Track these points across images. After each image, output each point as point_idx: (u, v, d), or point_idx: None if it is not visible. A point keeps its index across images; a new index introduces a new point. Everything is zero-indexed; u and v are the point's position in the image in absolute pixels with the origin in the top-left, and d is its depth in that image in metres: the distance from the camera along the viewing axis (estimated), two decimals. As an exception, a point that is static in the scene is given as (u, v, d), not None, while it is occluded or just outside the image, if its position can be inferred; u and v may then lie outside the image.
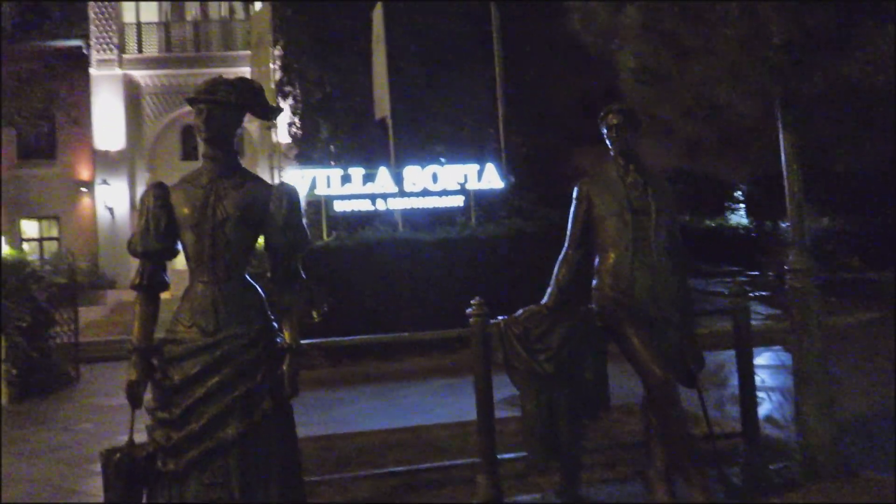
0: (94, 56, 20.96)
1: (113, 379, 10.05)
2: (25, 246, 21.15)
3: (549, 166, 15.29)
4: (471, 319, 3.98)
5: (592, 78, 9.24)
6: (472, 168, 12.92)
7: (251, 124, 15.63)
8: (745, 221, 22.77)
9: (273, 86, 15.31)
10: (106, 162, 20.92)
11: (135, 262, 2.90)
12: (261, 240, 2.93)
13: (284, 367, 2.80)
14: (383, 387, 8.98)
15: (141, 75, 21.34)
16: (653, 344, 3.62)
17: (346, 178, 12.61)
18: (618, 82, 5.52)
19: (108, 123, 20.92)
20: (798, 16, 3.59)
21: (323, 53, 15.09)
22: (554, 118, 15.78)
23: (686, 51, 4.28)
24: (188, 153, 21.56)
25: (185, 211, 2.80)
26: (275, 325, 2.89)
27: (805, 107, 4.09)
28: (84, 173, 21.59)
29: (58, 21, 19.51)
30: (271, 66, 15.09)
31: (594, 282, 3.86)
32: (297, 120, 16.37)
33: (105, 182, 20.76)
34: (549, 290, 3.87)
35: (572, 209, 3.91)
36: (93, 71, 20.91)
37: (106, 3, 21.05)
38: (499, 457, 4.01)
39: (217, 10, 22.49)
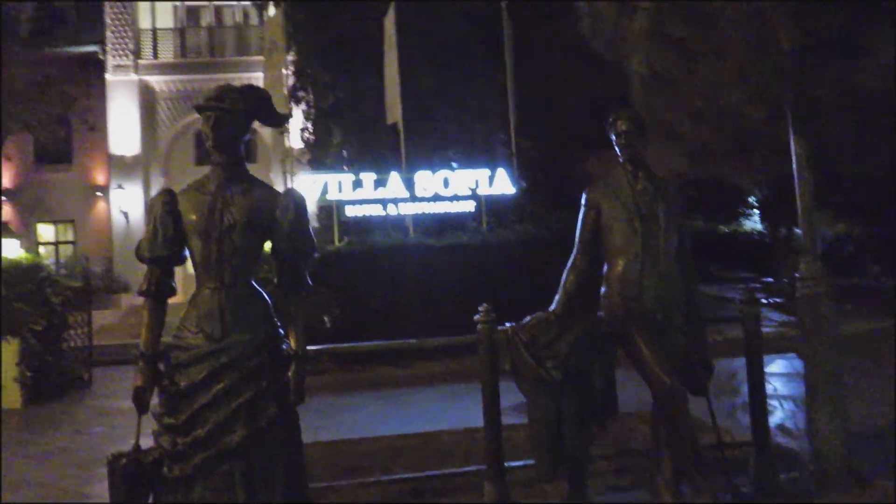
0: (111, 62, 21.17)
1: (126, 382, 10.03)
2: (42, 250, 21.39)
3: (560, 171, 15.24)
4: (478, 326, 3.98)
5: (604, 82, 9.21)
6: (483, 173, 12.90)
7: (264, 129, 15.73)
8: (759, 227, 22.59)
9: (286, 91, 15.40)
10: (121, 166, 21.12)
11: (148, 267, 2.92)
12: (268, 246, 2.94)
13: (290, 374, 2.81)
14: (393, 392, 8.98)
15: (156, 81, 21.54)
16: (661, 351, 3.60)
17: (357, 183, 12.63)
18: (628, 87, 5.51)
19: (123, 128, 21.12)
20: (807, 21, 3.56)
21: (335, 59, 15.15)
22: (565, 123, 15.75)
23: (695, 56, 4.26)
24: (202, 158, 21.70)
25: (193, 217, 2.82)
26: (281, 331, 2.90)
27: (816, 112, 4.06)
28: (99, 178, 21.80)
29: (74, 27, 19.72)
30: (284, 71, 15.17)
31: (602, 289, 3.84)
32: (309, 125, 16.43)
33: (120, 186, 20.95)
34: (557, 296, 3.86)
35: (580, 216, 3.90)
36: (109, 76, 21.12)
37: (122, 9, 21.28)
38: (506, 464, 3.99)
39: (231, 16, 22.66)
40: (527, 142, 14.67)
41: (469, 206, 12.87)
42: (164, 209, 2.84)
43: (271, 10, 15.88)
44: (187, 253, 2.90)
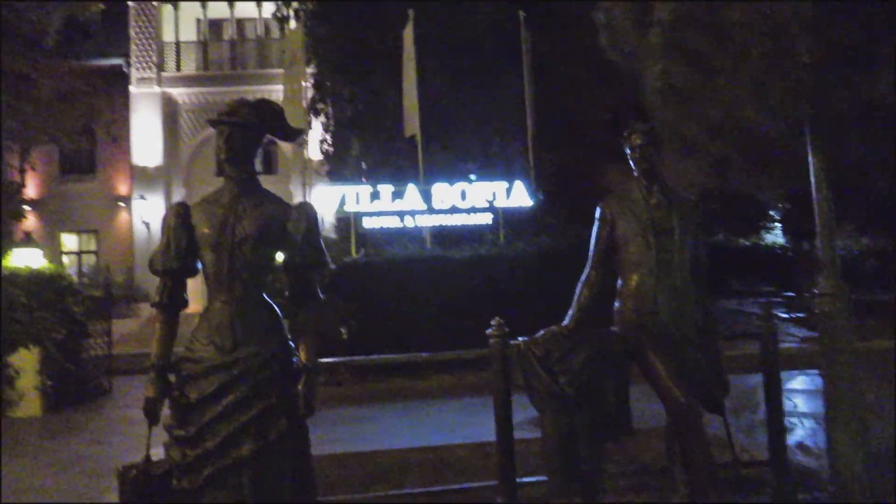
0: (134, 74, 21.55)
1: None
2: (65, 259, 21.72)
3: (578, 184, 15.19)
4: (490, 340, 3.95)
5: (622, 95, 9.20)
6: (500, 185, 12.90)
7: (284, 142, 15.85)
8: (781, 240, 22.31)
9: (305, 103, 15.54)
10: (143, 177, 21.42)
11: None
12: (280, 257, 2.96)
13: (300, 387, 2.81)
14: (408, 404, 8.96)
15: (178, 93, 21.85)
16: (676, 368, 3.56)
17: (374, 195, 12.68)
18: (645, 100, 5.49)
19: (146, 140, 21.45)
20: (826, 35, 3.52)
21: (354, 71, 15.27)
22: (584, 135, 15.71)
23: (712, 70, 4.23)
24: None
25: (206, 230, 2.84)
26: (292, 344, 2.90)
27: (835, 126, 4.01)
28: (122, 188, 22.12)
29: (100, 40, 20.09)
30: (304, 84, 15.32)
31: (616, 304, 3.81)
32: (328, 137, 16.57)
33: (142, 197, 21.24)
34: (570, 311, 3.83)
35: (594, 230, 3.88)
36: (132, 89, 21.49)
37: (146, 23, 21.65)
38: (518, 479, 3.96)
39: (253, 30, 22.97)
40: (545, 154, 14.65)
41: (486, 219, 12.86)
42: (178, 222, 2.86)
43: (292, 24, 16.08)
44: (200, 265, 2.92)
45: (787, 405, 7.18)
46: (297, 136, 3.07)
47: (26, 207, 19.23)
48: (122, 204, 22.05)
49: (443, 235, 12.76)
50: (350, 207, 12.65)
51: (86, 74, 19.34)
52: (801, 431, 6.39)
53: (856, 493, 3.92)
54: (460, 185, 12.89)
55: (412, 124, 13.42)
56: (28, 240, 11.02)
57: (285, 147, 17.94)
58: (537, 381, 3.74)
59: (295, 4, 16.41)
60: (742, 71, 4.07)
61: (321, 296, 2.97)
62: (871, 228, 18.81)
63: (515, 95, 14.47)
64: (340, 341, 10.15)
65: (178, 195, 21.29)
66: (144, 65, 21.60)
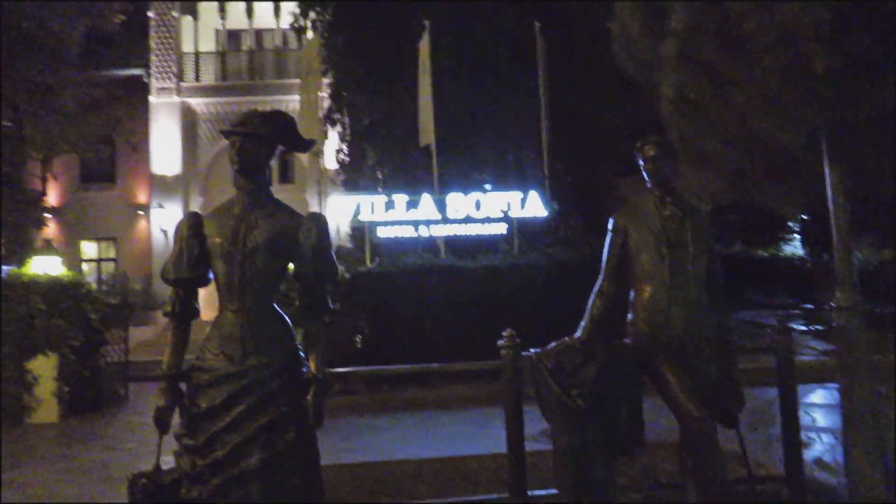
0: (154, 84, 21.83)
1: (159, 399, 10.24)
2: (84, 266, 21.98)
3: (593, 194, 15.14)
4: (502, 352, 3.94)
5: (637, 105, 9.16)
6: (515, 195, 12.89)
7: (300, 151, 15.92)
8: (800, 251, 22.05)
9: (322, 113, 15.65)
10: (162, 186, 21.65)
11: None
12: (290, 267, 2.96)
13: (309, 397, 2.81)
14: (422, 414, 8.93)
15: (197, 103, 22.10)
16: (689, 382, 3.52)
17: (389, 205, 12.72)
18: (660, 110, 5.46)
19: (164, 149, 21.70)
20: (841, 44, 3.49)
21: (370, 82, 15.37)
22: (599, 145, 15.67)
23: (726, 81, 4.20)
24: (240, 178, 22.09)
25: (217, 240, 2.86)
26: (302, 354, 2.91)
27: (852, 137, 3.96)
28: (141, 197, 22.37)
29: (121, 50, 20.39)
30: (321, 94, 15.43)
31: (629, 316, 3.78)
32: (344, 147, 16.66)
33: (160, 205, 21.46)
34: (582, 323, 3.81)
35: (607, 241, 3.86)
36: (152, 98, 21.76)
37: (166, 33, 21.95)
38: (529, 492, 3.93)
39: (271, 41, 23.20)
40: (560, 164, 14.62)
41: (501, 229, 12.84)
42: (190, 232, 2.89)
43: (309, 35, 16.23)
44: (212, 275, 2.94)
45: (806, 419, 7.10)
46: (308, 146, 3.08)
47: (47, 215, 19.52)
48: (140, 212, 22.29)
49: (457, 245, 12.75)
50: (365, 217, 12.69)
51: (107, 85, 19.66)
52: (819, 446, 6.30)
53: (874, 511, 3.86)
54: (475, 195, 12.89)
55: (427, 134, 13.46)
56: (48, 247, 11.13)
57: (302, 156, 18.07)
58: (549, 394, 3.71)
59: (312, 15, 16.56)
60: (757, 81, 4.04)
61: (332, 306, 2.98)
62: (892, 240, 18.54)
63: (531, 105, 14.48)
64: (354, 350, 10.16)
65: (195, 203, 21.49)
66: (164, 75, 21.88)
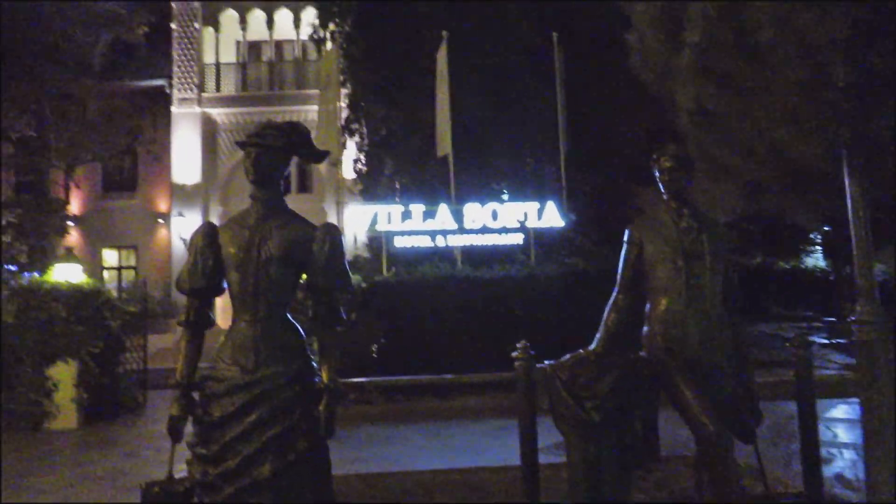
0: (176, 95, 22.10)
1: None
2: (105, 274, 22.24)
3: (611, 205, 15.07)
4: (515, 364, 3.92)
5: (656, 116, 9.12)
6: (532, 206, 12.85)
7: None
8: (822, 264, 21.76)
9: (340, 124, 15.75)
10: (182, 195, 21.87)
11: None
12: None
13: (321, 408, 2.81)
14: (437, 425, 8.91)
15: (217, 113, 22.34)
16: (705, 396, 3.47)
17: (406, 214, 12.73)
18: (677, 122, 5.43)
19: (185, 158, 21.94)
20: (861, 58, 3.45)
21: (388, 92, 15.45)
22: (617, 156, 15.60)
23: (744, 92, 4.17)
24: (259, 188, 22.25)
25: (232, 250, 2.88)
26: (314, 364, 2.91)
27: (872, 149, 3.91)
28: (161, 205, 22.62)
29: (143, 62, 20.70)
30: (339, 104, 15.53)
31: (645, 328, 3.74)
32: (362, 156, 16.75)
33: (180, 214, 21.67)
34: (597, 335, 3.78)
35: (623, 253, 3.83)
36: (174, 109, 22.03)
37: (188, 45, 22.25)
38: (543, 506, 3.89)
39: (291, 52, 23.42)
40: (577, 175, 14.57)
41: (517, 239, 12.80)
42: (205, 242, 2.91)
43: (328, 46, 16.36)
44: (226, 285, 2.95)
45: (827, 435, 6.98)
46: (322, 158, 3.10)
47: (70, 223, 19.80)
48: (161, 221, 22.53)
49: (473, 255, 12.74)
50: (382, 226, 12.72)
51: (129, 95, 19.98)
52: (840, 462, 6.19)
53: (895, 529, 3.78)
54: (492, 205, 12.87)
55: (445, 144, 13.49)
56: (69, 255, 11.29)
57: (320, 166, 18.14)
58: (563, 406, 3.68)
59: (331, 27, 16.71)
60: (776, 94, 4.00)
61: (344, 316, 2.98)
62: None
63: (548, 116, 14.47)
64: (370, 359, 10.17)
65: (215, 212, 21.69)
66: (186, 86, 22.15)
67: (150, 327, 12.47)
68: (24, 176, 21.08)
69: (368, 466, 6.24)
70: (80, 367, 9.78)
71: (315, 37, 17.45)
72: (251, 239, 2.87)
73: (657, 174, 3.83)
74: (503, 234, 12.74)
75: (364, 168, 16.69)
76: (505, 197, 13.82)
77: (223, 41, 22.77)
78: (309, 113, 18.96)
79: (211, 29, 22.62)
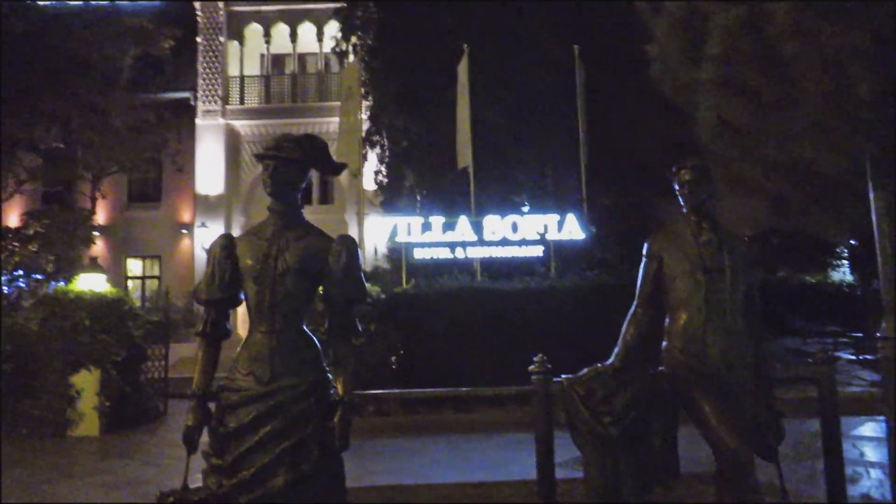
0: (200, 107, 22.41)
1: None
2: (130, 283, 22.53)
3: (632, 218, 14.95)
4: (532, 377, 3.88)
5: (677, 128, 9.06)
6: (552, 218, 12.81)
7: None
8: (849, 278, 21.38)
9: (361, 135, 15.85)
10: (205, 206, 22.12)
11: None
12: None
13: (335, 420, 2.81)
14: (456, 438, 8.87)
15: (241, 125, 22.61)
16: (726, 412, 3.41)
17: (426, 226, 12.76)
18: (698, 134, 5.39)
19: (209, 169, 22.21)
20: (886, 71, 3.40)
21: (409, 104, 15.53)
22: (638, 169, 15.49)
23: (767, 105, 4.13)
24: (281, 199, 22.43)
25: (249, 262, 2.90)
26: (329, 376, 2.91)
27: (898, 163, 3.84)
28: (185, 216, 22.88)
29: (169, 75, 21.02)
30: (360, 116, 15.64)
31: (664, 343, 3.69)
32: (383, 168, 16.83)
33: (203, 225, 21.90)
34: (615, 349, 3.74)
35: (642, 267, 3.79)
36: (198, 121, 22.34)
37: (213, 58, 22.59)
38: (560, 522, 3.84)
39: (314, 65, 23.67)
40: (598, 187, 14.50)
41: (537, 251, 12.75)
42: (223, 253, 2.93)
43: (350, 59, 16.51)
44: (243, 296, 2.97)
45: (853, 453, 6.83)
46: (339, 170, 3.11)
47: (95, 233, 20.10)
48: (184, 231, 22.79)
49: (493, 267, 12.71)
50: (402, 238, 12.74)
51: (155, 107, 20.27)
52: (866, 482, 6.04)
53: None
54: (512, 218, 12.85)
55: (465, 156, 13.52)
56: (93, 264, 11.45)
57: (341, 178, 18.28)
58: (580, 421, 3.65)
59: (353, 40, 16.86)
60: (799, 107, 3.95)
61: (360, 328, 2.98)
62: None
63: (569, 128, 14.44)
64: (389, 370, 10.17)
65: (237, 223, 21.89)
66: (210, 98, 22.46)
67: (172, 336, 12.58)
68: (51, 187, 21.47)
69: (385, 479, 6.22)
70: (103, 376, 9.89)
71: (337, 49, 17.62)
72: (268, 250, 2.89)
73: (677, 187, 3.79)
74: (523, 247, 12.71)
75: (385, 180, 16.76)
76: (525, 209, 13.78)
77: (247, 54, 23.08)
78: (331, 125, 19.11)
79: (236, 42, 22.95)
